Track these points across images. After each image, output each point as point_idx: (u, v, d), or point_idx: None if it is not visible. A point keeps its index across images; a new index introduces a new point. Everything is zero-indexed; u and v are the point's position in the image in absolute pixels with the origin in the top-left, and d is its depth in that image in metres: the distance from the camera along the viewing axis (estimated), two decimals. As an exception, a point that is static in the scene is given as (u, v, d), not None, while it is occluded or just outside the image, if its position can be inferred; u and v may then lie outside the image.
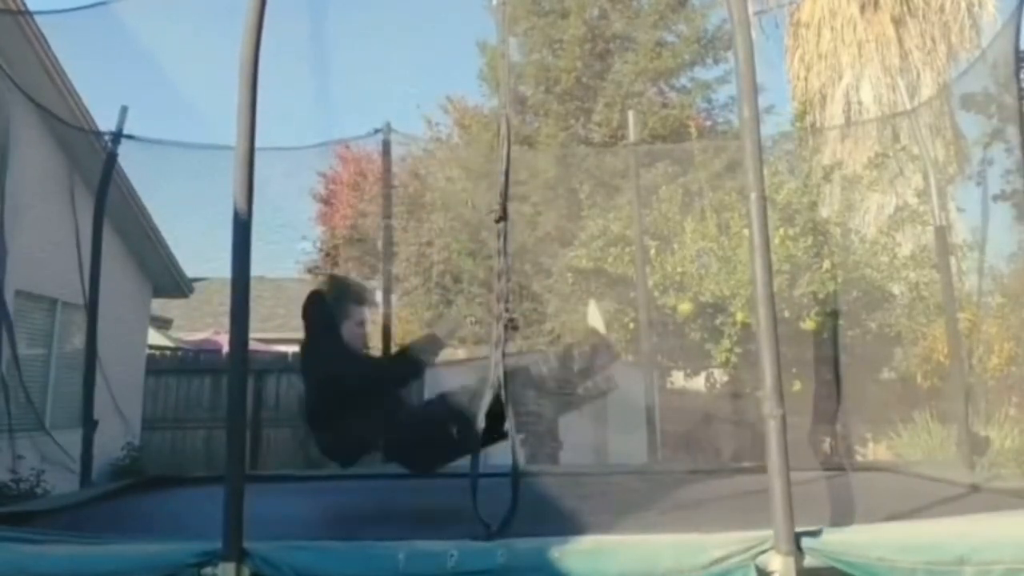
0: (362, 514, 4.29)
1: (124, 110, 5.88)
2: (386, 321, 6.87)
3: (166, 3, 5.65)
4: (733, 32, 3.12)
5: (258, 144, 3.12)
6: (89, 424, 5.37)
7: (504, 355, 3.18)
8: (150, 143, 5.99)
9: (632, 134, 7.45)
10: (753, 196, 3.00)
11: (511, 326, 3.22)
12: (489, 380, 3.18)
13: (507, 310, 3.19)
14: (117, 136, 5.83)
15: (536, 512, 3.35)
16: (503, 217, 3.31)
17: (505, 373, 3.16)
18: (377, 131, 6.82)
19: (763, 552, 2.77)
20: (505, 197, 3.34)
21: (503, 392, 3.14)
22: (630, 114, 8.10)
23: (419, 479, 5.05)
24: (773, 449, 2.83)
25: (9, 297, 5.88)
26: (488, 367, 3.21)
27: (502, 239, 3.28)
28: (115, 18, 5.17)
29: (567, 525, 3.19)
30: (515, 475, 3.12)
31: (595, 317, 4.66)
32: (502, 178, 3.33)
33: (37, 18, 6.97)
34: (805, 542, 2.79)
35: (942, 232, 6.11)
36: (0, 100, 5.32)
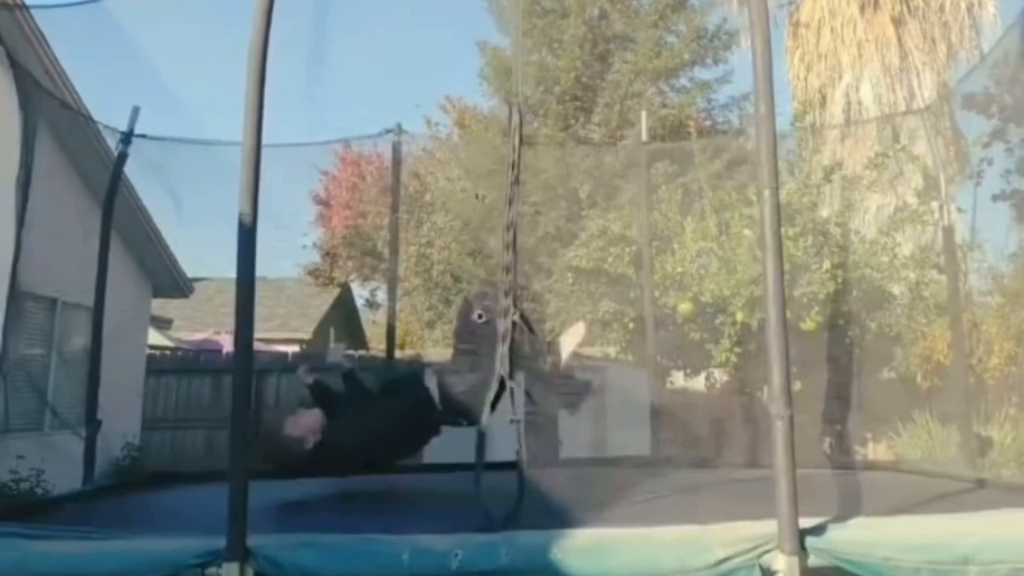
0: (366, 506, 4.29)
1: (136, 111, 5.69)
2: (390, 320, 6.89)
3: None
4: (752, 28, 3.04)
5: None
6: (92, 424, 5.33)
7: (511, 349, 3.15)
8: (154, 140, 5.89)
9: (645, 134, 7.47)
10: (766, 193, 2.96)
11: (521, 321, 3.18)
12: (495, 373, 3.16)
13: (515, 304, 3.15)
14: (128, 136, 5.67)
15: (540, 505, 3.34)
16: (512, 199, 3.25)
17: (511, 366, 3.14)
18: (388, 131, 6.78)
19: (767, 552, 2.76)
20: (517, 180, 3.28)
21: (509, 385, 3.12)
22: (643, 114, 8.11)
23: (424, 472, 5.04)
24: (780, 449, 2.83)
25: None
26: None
27: (511, 232, 3.23)
28: (108, 13, 5.10)
29: (570, 520, 3.18)
30: (521, 467, 3.10)
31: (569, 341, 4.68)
32: (512, 169, 3.28)
33: (36, 16, 6.92)
34: (809, 541, 2.78)
35: (949, 232, 6.09)
36: (24, 96, 5.20)
